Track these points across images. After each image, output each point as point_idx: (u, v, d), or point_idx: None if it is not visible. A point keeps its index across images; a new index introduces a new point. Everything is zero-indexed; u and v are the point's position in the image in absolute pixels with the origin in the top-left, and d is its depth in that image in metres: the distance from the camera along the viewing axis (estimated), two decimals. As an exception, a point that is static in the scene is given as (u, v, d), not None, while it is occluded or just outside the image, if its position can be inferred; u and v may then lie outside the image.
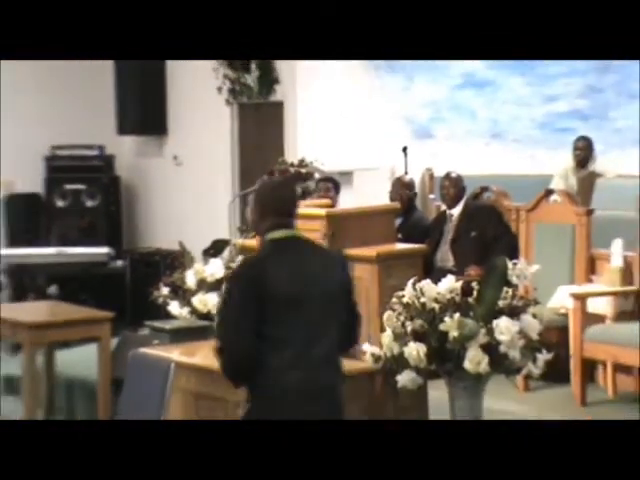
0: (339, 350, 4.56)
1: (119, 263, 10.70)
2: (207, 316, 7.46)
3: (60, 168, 11.41)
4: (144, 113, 11.31)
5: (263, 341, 4.35)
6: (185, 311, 7.56)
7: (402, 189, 8.57)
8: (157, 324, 7.46)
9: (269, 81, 10.21)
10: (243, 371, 4.42)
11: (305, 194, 8.85)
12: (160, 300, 7.77)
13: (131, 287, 10.48)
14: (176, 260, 8.88)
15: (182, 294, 7.63)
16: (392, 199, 8.31)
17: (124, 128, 11.45)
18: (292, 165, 9.21)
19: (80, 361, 8.12)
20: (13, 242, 11.28)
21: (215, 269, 7.64)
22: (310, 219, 6.59)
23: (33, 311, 8.36)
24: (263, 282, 4.33)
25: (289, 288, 4.38)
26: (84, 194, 11.36)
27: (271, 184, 4.75)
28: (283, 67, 10.13)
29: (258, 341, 4.34)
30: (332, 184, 8.68)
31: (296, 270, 4.43)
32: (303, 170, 9.15)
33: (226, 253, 8.14)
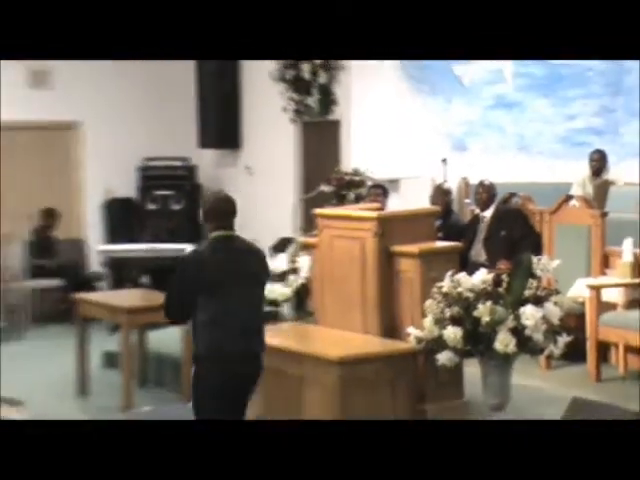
0: (260, 320, 5.16)
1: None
2: (274, 303, 7.48)
3: (151, 177, 11.49)
4: (222, 130, 11.36)
5: (202, 316, 4.98)
6: (256, 298, 7.58)
7: (441, 195, 8.51)
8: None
9: (328, 102, 10.20)
10: (172, 318, 5.22)
11: (358, 199, 8.83)
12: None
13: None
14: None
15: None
16: (433, 203, 8.27)
17: (205, 143, 11.50)
18: (347, 174, 9.20)
19: (167, 340, 8.17)
20: (112, 239, 11.38)
21: (281, 263, 7.66)
22: (362, 220, 6.57)
23: (129, 297, 8.43)
24: (199, 268, 4.99)
25: (219, 273, 4.99)
26: (171, 199, 11.42)
27: (214, 198, 5.37)
28: (340, 90, 10.12)
29: (200, 314, 4.97)
30: (381, 190, 8.65)
31: (225, 260, 5.05)
32: (356, 178, 9.13)
33: (290, 249, 8.15)
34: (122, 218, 11.56)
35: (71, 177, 11.60)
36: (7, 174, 11.14)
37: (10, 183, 11.13)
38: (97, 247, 11.12)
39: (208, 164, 11.83)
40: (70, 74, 11.26)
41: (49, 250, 10.94)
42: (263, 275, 5.24)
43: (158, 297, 8.32)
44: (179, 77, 11.61)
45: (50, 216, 10.99)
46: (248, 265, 5.12)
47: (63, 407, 7.53)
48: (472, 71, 9.74)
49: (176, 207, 11.42)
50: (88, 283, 10.83)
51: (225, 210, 5.19)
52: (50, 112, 11.21)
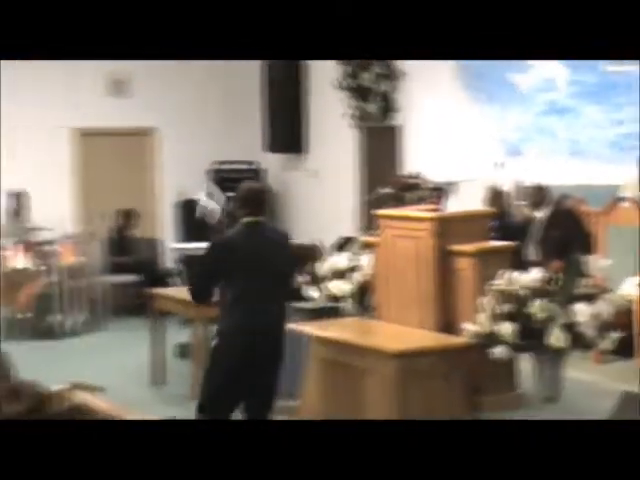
0: (284, 300, 5.26)
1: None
2: (337, 299, 7.46)
3: (221, 179, 11.54)
4: (288, 135, 11.37)
5: (227, 295, 5.07)
6: (319, 294, 7.57)
7: (497, 197, 8.44)
8: (297, 305, 7.48)
9: (388, 109, 10.17)
10: (199, 297, 5.30)
11: (418, 200, 8.77)
12: (299, 285, 7.80)
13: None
14: (313, 253, 8.91)
15: (317, 281, 7.64)
16: (488, 205, 8.19)
17: (272, 147, 11.52)
18: (406, 177, 9.14)
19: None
20: (185, 238, 11.45)
21: (343, 261, 7.63)
22: (420, 221, 6.54)
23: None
24: (228, 251, 5.07)
25: (246, 255, 5.04)
26: (240, 200, 11.46)
27: (248, 187, 5.33)
28: (401, 97, 10.08)
29: (224, 294, 5.08)
30: (439, 192, 8.57)
31: (253, 243, 5.09)
32: (415, 181, 9.08)
33: (352, 248, 8.12)
34: (194, 218, 11.61)
35: (147, 180, 11.71)
36: (89, 177, 11.29)
37: (91, 185, 11.27)
38: (171, 245, 11.20)
39: (275, 167, 11.85)
40: (147, 83, 11.37)
41: (127, 248, 11.05)
42: (288, 259, 5.28)
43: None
44: (248, 85, 11.65)
45: (129, 216, 11.10)
46: (274, 249, 5.16)
47: (139, 394, 7.59)
48: (527, 79, 9.64)
49: (244, 208, 11.46)
50: (162, 279, 10.91)
51: (257, 199, 5.19)
52: (128, 119, 11.33)
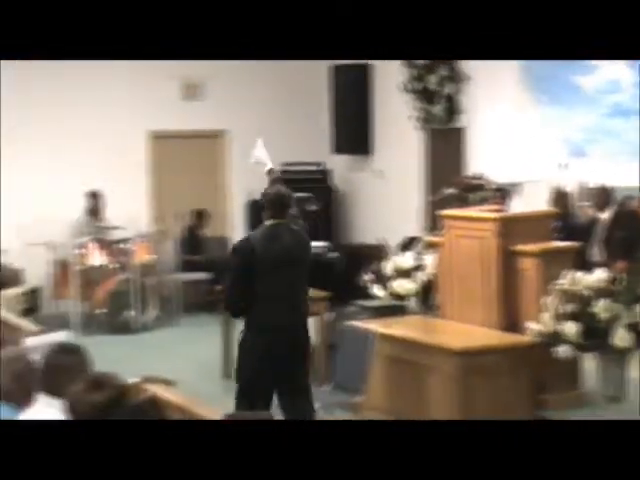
0: (305, 295, 5.46)
1: (333, 254, 10.77)
2: (402, 297, 7.45)
3: (289, 180, 11.47)
4: (355, 137, 11.37)
5: (253, 292, 5.23)
6: (384, 293, 7.56)
7: (561, 198, 8.35)
8: (363, 303, 7.49)
9: (453, 111, 10.11)
10: (233, 311, 5.56)
11: (481, 201, 8.71)
12: (365, 284, 7.80)
13: (342, 273, 10.54)
14: (378, 253, 8.90)
15: (382, 279, 7.64)
16: (552, 206, 8.10)
17: (339, 148, 11.54)
18: (470, 177, 9.08)
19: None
20: (253, 237, 11.51)
21: (408, 260, 7.61)
22: (484, 221, 6.50)
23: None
24: (253, 253, 5.23)
25: (270, 257, 5.24)
26: (306, 201, 11.47)
27: (274, 191, 5.48)
28: (465, 99, 10.02)
29: (250, 292, 5.22)
30: (503, 193, 8.50)
31: (274, 244, 5.27)
32: (479, 182, 9.01)
33: (417, 247, 8.10)
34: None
35: (218, 181, 11.81)
36: (162, 178, 11.43)
37: (165, 186, 11.41)
38: (241, 244, 11.28)
39: (341, 168, 11.86)
40: (219, 87, 11.47)
41: (198, 247, 11.16)
42: (306, 258, 5.47)
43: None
44: (315, 89, 11.68)
45: (201, 216, 11.21)
46: (294, 249, 5.34)
47: (210, 388, 7.66)
48: (592, 81, 9.50)
49: (311, 208, 11.47)
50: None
51: (279, 203, 5.38)
52: (200, 122, 11.44)
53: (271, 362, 5.27)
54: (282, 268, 5.27)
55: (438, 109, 10.19)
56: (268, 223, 5.35)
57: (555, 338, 5.73)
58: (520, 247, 6.26)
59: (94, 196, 10.53)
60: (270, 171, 6.13)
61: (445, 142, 10.39)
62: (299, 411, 5.39)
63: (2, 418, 4.07)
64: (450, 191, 8.51)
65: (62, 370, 3.83)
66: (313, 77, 11.44)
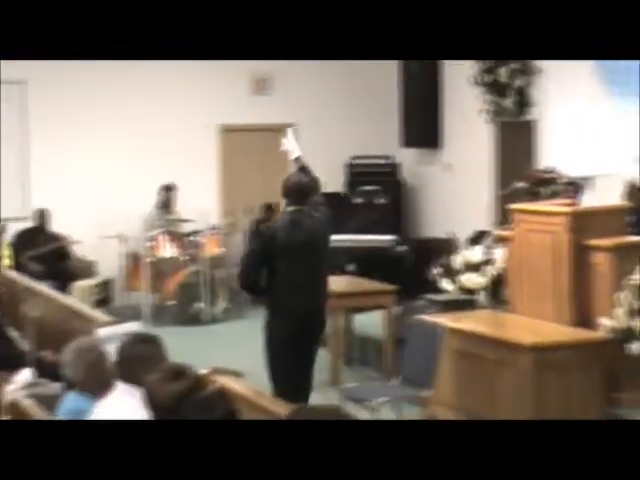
0: (325, 277, 5.75)
1: (401, 248, 10.74)
2: (471, 291, 7.38)
3: (358, 173, 11.57)
4: (424, 130, 11.30)
5: (275, 277, 5.51)
6: (453, 287, 7.51)
7: (635, 191, 8.17)
8: (431, 297, 7.45)
9: (524, 104, 9.98)
10: (247, 287, 5.79)
11: (552, 195, 8.59)
12: (433, 278, 7.75)
13: (410, 267, 10.50)
14: (447, 247, 8.84)
15: (451, 273, 7.58)
16: (627, 200, 7.94)
17: (408, 142, 11.48)
18: (541, 171, 8.95)
19: (371, 323, 8.20)
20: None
21: (477, 254, 7.55)
22: (555, 215, 6.41)
23: (337, 283, 8.49)
24: (274, 237, 5.50)
25: (290, 243, 5.48)
26: (375, 194, 11.46)
27: (295, 179, 5.75)
28: (536, 92, 9.88)
29: (273, 276, 5.51)
30: (575, 187, 8.37)
31: (295, 230, 5.53)
32: (550, 175, 8.88)
33: (486, 241, 8.02)
34: (331, 211, 11.68)
35: (286, 174, 11.82)
36: (232, 172, 11.50)
37: (234, 180, 11.49)
38: (309, 237, 11.30)
39: (410, 162, 11.80)
40: (287, 81, 11.51)
41: (267, 239, 11.20)
42: (325, 243, 5.76)
43: (363, 284, 8.39)
44: (384, 81, 11.64)
45: (269, 210, 11.25)
46: (313, 235, 5.60)
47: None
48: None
49: (380, 201, 11.45)
50: (301, 269, 11.01)
51: (299, 191, 5.64)
52: (268, 116, 11.49)
53: (292, 345, 5.54)
54: (302, 254, 5.51)
55: (509, 102, 10.07)
56: (289, 210, 5.65)
57: (628, 334, 5.63)
58: (592, 242, 6.16)
59: (168, 189, 10.65)
60: (297, 159, 6.25)
61: (516, 135, 10.27)
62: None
63: (77, 407, 4.15)
64: (521, 185, 8.40)
65: (139, 359, 3.88)
66: (382, 70, 11.39)
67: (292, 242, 5.50)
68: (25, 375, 4.86)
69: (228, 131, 11.42)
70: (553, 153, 9.62)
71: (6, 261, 10.08)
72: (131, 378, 3.85)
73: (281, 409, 4.05)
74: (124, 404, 3.81)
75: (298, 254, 5.51)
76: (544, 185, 8.45)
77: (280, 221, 5.70)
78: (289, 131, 6.39)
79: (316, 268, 5.64)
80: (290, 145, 6.26)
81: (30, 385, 4.61)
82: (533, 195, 8.26)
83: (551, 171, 8.81)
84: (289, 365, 5.60)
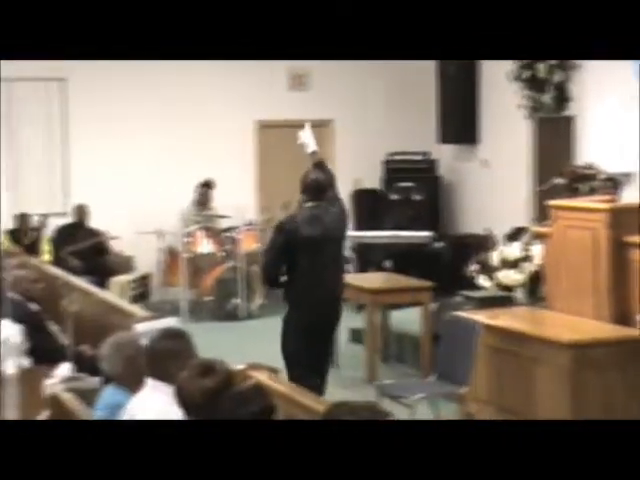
0: (342, 270, 6.02)
1: (438, 244, 10.70)
2: (508, 288, 7.34)
3: (394, 170, 11.54)
4: (461, 126, 11.24)
5: (295, 270, 5.75)
6: (490, 283, 7.47)
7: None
8: (468, 293, 7.41)
9: (562, 99, 9.90)
10: (269, 280, 6.10)
11: (591, 191, 8.51)
12: (470, 274, 7.71)
13: (447, 263, 10.46)
14: (484, 243, 8.79)
15: (488, 270, 7.54)
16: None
17: (445, 138, 11.43)
18: (580, 167, 8.87)
19: (408, 320, 8.18)
20: (359, 226, 11.52)
21: (515, 251, 7.50)
22: (595, 212, 6.34)
23: (373, 280, 8.51)
24: (294, 232, 5.75)
25: (310, 235, 5.73)
26: (412, 190, 11.42)
27: (312, 177, 5.98)
28: (575, 88, 9.79)
29: (292, 269, 5.75)
30: (614, 183, 8.28)
31: (315, 224, 5.77)
32: (589, 171, 8.79)
33: (524, 238, 7.96)
34: (368, 207, 11.67)
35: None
36: (269, 168, 11.52)
37: (271, 176, 11.50)
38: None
39: (447, 158, 11.75)
40: (324, 77, 11.50)
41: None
42: (341, 236, 5.98)
43: (400, 280, 8.36)
44: (421, 77, 11.59)
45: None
46: (330, 229, 5.82)
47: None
48: None
49: (417, 197, 11.42)
50: (337, 266, 11.01)
51: (317, 188, 5.90)
52: (306, 112, 11.47)
53: (309, 334, 5.78)
54: (320, 247, 5.77)
55: (547, 97, 9.99)
56: (307, 205, 5.89)
57: (668, 332, 5.56)
58: (632, 238, 6.09)
59: (206, 186, 10.69)
60: (313, 153, 6.38)
61: (554, 131, 10.18)
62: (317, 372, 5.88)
63: (115, 401, 4.18)
64: (559, 181, 8.33)
65: (167, 355, 3.89)
66: (420, 66, 11.35)
67: (311, 236, 5.75)
68: (64, 369, 4.90)
69: (265, 127, 11.44)
70: (591, 149, 9.53)
71: (46, 256, 10.19)
72: (160, 374, 3.87)
73: (317, 405, 4.04)
74: (154, 400, 3.82)
75: (317, 247, 5.75)
76: (583, 181, 8.37)
77: (299, 216, 5.90)
78: (306, 126, 6.50)
79: (334, 261, 5.88)
80: (307, 139, 6.38)
81: (69, 379, 4.65)
82: (572, 191, 8.19)
83: (590, 167, 8.73)
84: (303, 353, 5.82)
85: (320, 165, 6.23)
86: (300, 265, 5.75)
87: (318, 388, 5.69)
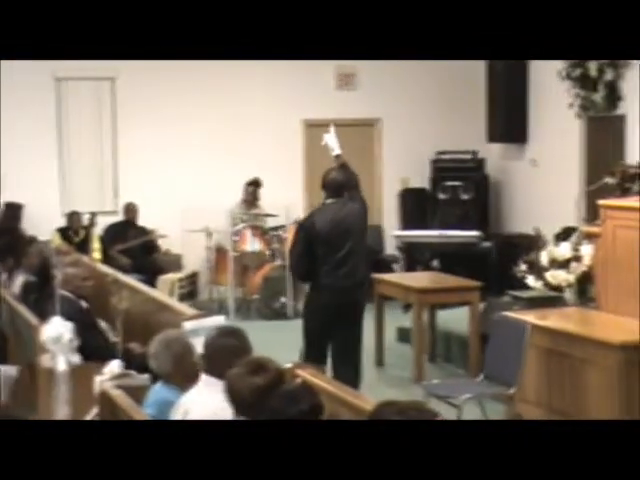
0: (361, 262, 6.35)
1: (486, 244, 10.63)
2: (557, 288, 7.27)
3: (442, 169, 11.49)
4: (510, 126, 11.16)
5: (316, 260, 6.21)
6: (539, 283, 7.41)
7: None
8: (517, 293, 7.35)
9: (614, 98, 9.77)
10: (298, 275, 6.82)
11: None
12: (519, 274, 7.65)
13: (496, 263, 10.40)
14: (532, 243, 8.71)
15: (537, 270, 7.48)
16: None
17: (493, 137, 11.35)
18: (631, 167, 8.75)
19: (456, 319, 8.14)
20: (406, 225, 11.50)
21: (564, 250, 7.43)
22: (632, 211, 6.27)
23: (421, 279, 8.48)
24: (312, 227, 6.24)
25: (326, 229, 6.20)
26: (460, 189, 11.36)
27: (332, 175, 6.43)
28: (626, 86, 9.67)
29: (312, 260, 6.22)
30: (665, 182, 8.16)
31: (331, 219, 6.24)
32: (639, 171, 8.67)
33: (573, 238, 7.88)
34: (416, 206, 11.64)
35: (371, 169, 11.83)
36: (314, 167, 11.52)
37: (317, 175, 11.43)
38: (393, 232, 11.27)
39: (495, 157, 11.68)
40: (372, 76, 11.49)
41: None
42: (359, 228, 6.35)
43: (447, 279, 8.32)
44: (470, 76, 11.53)
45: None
46: (347, 222, 6.25)
47: (363, 375, 7.69)
48: None
49: (465, 196, 11.35)
50: (385, 265, 11.00)
51: (336, 186, 6.34)
52: (353, 111, 11.49)
53: (328, 316, 6.20)
54: (338, 238, 6.20)
55: (598, 96, 9.87)
56: (327, 202, 6.35)
57: None
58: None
59: (253, 185, 10.73)
60: (337, 156, 6.73)
61: (604, 130, 10.07)
62: (348, 362, 6.29)
63: (165, 398, 4.22)
64: (609, 180, 8.23)
65: (225, 352, 3.93)
66: (468, 65, 11.29)
67: (325, 228, 6.21)
68: (114, 366, 4.95)
69: (313, 126, 11.45)
70: (643, 148, 9.40)
71: (96, 254, 10.30)
72: (217, 371, 3.90)
73: (364, 404, 4.04)
74: (208, 397, 3.85)
75: (332, 238, 6.20)
76: (634, 180, 8.27)
77: (316, 212, 6.42)
78: (331, 128, 6.82)
79: (353, 251, 6.25)
80: (331, 142, 6.74)
81: (119, 376, 4.70)
82: (622, 191, 8.09)
83: (641, 166, 8.61)
84: (321, 335, 6.30)
85: (343, 166, 6.59)
86: (320, 255, 6.22)
87: (322, 366, 6.13)
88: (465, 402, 5.79)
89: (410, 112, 11.69)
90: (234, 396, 3.48)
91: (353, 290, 6.29)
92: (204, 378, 3.97)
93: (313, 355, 6.18)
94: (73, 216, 10.52)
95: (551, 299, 7.09)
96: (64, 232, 10.47)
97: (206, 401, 3.85)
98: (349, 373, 6.18)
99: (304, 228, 6.36)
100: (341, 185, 6.35)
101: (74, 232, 10.49)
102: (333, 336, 6.30)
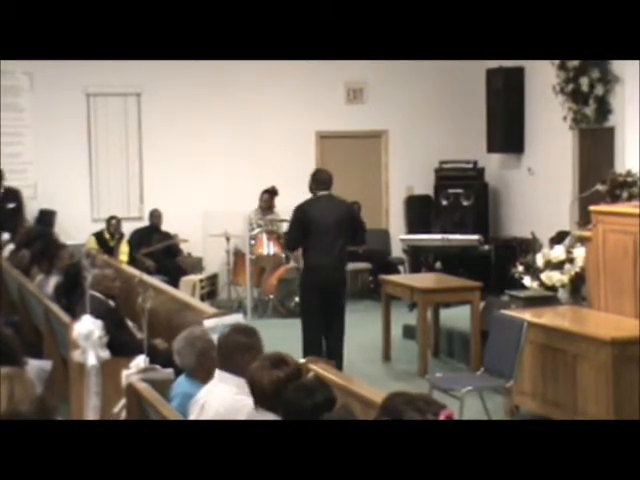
0: (352, 244, 7.48)
1: (486, 247, 10.62)
2: (552, 288, 7.26)
3: (445, 177, 11.48)
4: (508, 137, 11.15)
5: (306, 244, 6.99)
6: (535, 284, 7.40)
7: None
8: (514, 293, 7.35)
9: (604, 111, 9.76)
10: (288, 247, 8.30)
11: (630, 197, 8.37)
12: (516, 275, 7.65)
13: (495, 265, 10.39)
14: (529, 246, 8.70)
15: (533, 271, 7.47)
16: None
17: (492, 148, 11.34)
18: (620, 175, 8.74)
19: (457, 317, 8.14)
20: (411, 229, 11.50)
21: (558, 253, 7.42)
22: (634, 217, 6.25)
23: (425, 280, 8.49)
24: (304, 215, 7.00)
25: (316, 218, 6.93)
26: (462, 196, 11.35)
27: (319, 171, 7.40)
28: (615, 100, 9.65)
29: (304, 244, 7.02)
30: (653, 190, 8.14)
31: (321, 209, 6.98)
32: (629, 179, 8.66)
33: (567, 241, 7.87)
34: (420, 212, 11.63)
35: (378, 177, 11.84)
36: (327, 175, 11.53)
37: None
38: (399, 236, 11.27)
39: (494, 166, 11.67)
40: (380, 91, 11.50)
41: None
42: (342, 217, 7.00)
43: (450, 280, 8.33)
44: (470, 93, 11.52)
45: (359, 210, 11.25)
46: (335, 212, 6.97)
47: (371, 370, 7.70)
48: None
49: (466, 203, 11.35)
50: (391, 266, 11.01)
51: (323, 179, 7.10)
52: (363, 123, 11.50)
53: (316, 290, 6.90)
54: (323, 225, 6.87)
55: (589, 110, 9.86)
56: (317, 194, 7.05)
57: None
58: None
59: (270, 192, 10.74)
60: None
61: (595, 141, 10.06)
62: (335, 328, 7.00)
63: (187, 391, 4.23)
64: (600, 188, 8.22)
65: (237, 348, 3.93)
66: (469, 79, 11.29)
67: (316, 216, 6.91)
68: (140, 361, 4.97)
69: (325, 138, 11.48)
70: (631, 158, 9.38)
71: (123, 257, 10.33)
72: (229, 366, 3.91)
73: (373, 396, 4.05)
74: (221, 390, 3.86)
75: (320, 225, 6.87)
76: (623, 188, 8.25)
77: (308, 201, 7.08)
78: None
79: (335, 236, 6.91)
80: None
81: (144, 370, 4.72)
82: (612, 197, 8.08)
83: (629, 175, 8.60)
84: (312, 306, 6.97)
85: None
86: (309, 240, 6.94)
87: (319, 342, 6.96)
88: (466, 394, 5.79)
89: (415, 125, 11.69)
90: (255, 387, 3.49)
91: (332, 268, 6.94)
92: (218, 373, 3.98)
93: (314, 331, 6.98)
94: (111, 220, 10.53)
95: (546, 298, 7.08)
96: (99, 236, 10.50)
97: (220, 394, 3.85)
98: (335, 340, 7.02)
99: (297, 212, 7.08)
100: (329, 180, 7.12)
101: (110, 235, 10.51)
102: (322, 309, 6.95)
